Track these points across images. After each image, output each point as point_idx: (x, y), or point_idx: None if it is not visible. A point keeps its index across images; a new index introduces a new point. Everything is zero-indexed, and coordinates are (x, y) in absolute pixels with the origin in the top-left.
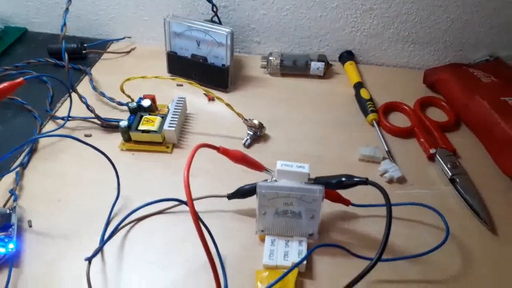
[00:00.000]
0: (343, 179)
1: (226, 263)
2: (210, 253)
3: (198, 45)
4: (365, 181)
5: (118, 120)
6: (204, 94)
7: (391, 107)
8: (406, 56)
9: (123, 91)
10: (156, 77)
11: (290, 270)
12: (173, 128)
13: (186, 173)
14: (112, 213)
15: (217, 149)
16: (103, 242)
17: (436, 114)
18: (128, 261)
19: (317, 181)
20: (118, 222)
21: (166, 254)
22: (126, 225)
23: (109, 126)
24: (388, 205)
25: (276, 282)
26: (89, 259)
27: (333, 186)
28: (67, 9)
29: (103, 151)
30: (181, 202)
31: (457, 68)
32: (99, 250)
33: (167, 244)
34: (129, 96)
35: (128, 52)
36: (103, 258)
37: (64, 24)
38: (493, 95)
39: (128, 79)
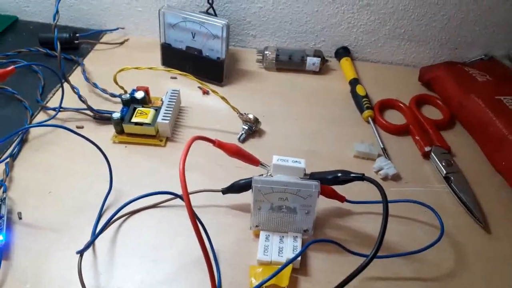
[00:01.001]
0: (339, 174)
1: (220, 258)
2: (205, 248)
3: (193, 37)
4: (362, 177)
5: (111, 112)
6: (199, 87)
7: (386, 104)
8: (402, 54)
9: (116, 82)
10: (150, 68)
11: (285, 266)
12: (167, 121)
13: (181, 166)
14: (104, 206)
15: (213, 142)
16: (95, 235)
17: (431, 112)
18: (120, 255)
19: (312, 176)
20: (110, 215)
21: (159, 248)
22: (118, 218)
23: (101, 118)
24: (385, 201)
25: (270, 278)
26: (81, 252)
27: (329, 181)
28: None
29: (95, 143)
30: (176, 195)
31: (452, 67)
32: (91, 243)
33: (160, 238)
34: (122, 88)
35: (122, 43)
36: (94, 251)
37: (57, 12)
38: (488, 94)
39: (121, 70)
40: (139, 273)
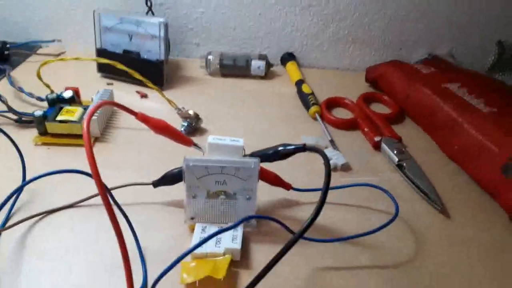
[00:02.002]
0: (280, 148)
1: (150, 256)
2: (123, 241)
3: (130, 40)
4: (303, 147)
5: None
6: (137, 91)
7: (334, 102)
8: (348, 57)
9: (40, 77)
10: (76, 58)
11: (196, 246)
12: (95, 117)
13: (86, 124)
14: (14, 208)
15: (135, 114)
16: None
17: (380, 109)
18: (29, 260)
19: (252, 155)
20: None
21: (78, 251)
22: (29, 218)
23: (25, 121)
24: (327, 164)
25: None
26: None
27: (270, 157)
28: None
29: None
30: (83, 173)
31: (397, 63)
32: None
33: (79, 239)
34: (48, 86)
35: (57, 55)
36: None
37: None
38: (434, 83)
39: (45, 63)
40: (50, 279)
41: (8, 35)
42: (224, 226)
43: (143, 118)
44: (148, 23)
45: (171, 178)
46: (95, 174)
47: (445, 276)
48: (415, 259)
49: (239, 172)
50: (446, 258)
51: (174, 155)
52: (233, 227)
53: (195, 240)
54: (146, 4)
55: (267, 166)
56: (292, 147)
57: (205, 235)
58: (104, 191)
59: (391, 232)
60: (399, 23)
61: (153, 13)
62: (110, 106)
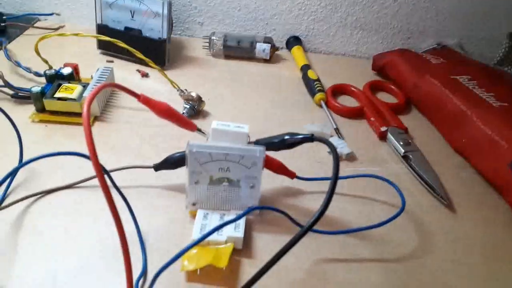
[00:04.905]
0: (286, 137)
1: (149, 242)
2: (121, 225)
3: (132, 17)
4: (311, 138)
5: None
6: (137, 70)
7: (339, 89)
8: (355, 44)
9: (38, 52)
10: (75, 34)
11: (207, 235)
12: None
13: (86, 108)
14: (10, 188)
15: (137, 96)
16: None
17: (386, 98)
18: (25, 241)
19: (257, 143)
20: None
21: (75, 234)
22: (26, 198)
23: (21, 97)
24: (336, 157)
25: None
26: None
27: (275, 146)
28: None
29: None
30: (81, 155)
31: (406, 51)
32: None
33: (77, 222)
34: (46, 62)
35: (56, 29)
36: None
37: None
38: (444, 74)
39: (43, 37)
40: (46, 262)
41: (4, 6)
42: (227, 213)
43: (146, 101)
44: (151, 1)
45: (173, 162)
46: (92, 156)
47: (447, 273)
48: (418, 254)
49: (243, 160)
50: (449, 255)
51: (177, 138)
52: (237, 219)
53: (196, 227)
54: None
55: (271, 153)
56: (300, 136)
57: (207, 222)
58: (101, 173)
59: (395, 224)
60: (409, 11)
61: None
62: (112, 88)
